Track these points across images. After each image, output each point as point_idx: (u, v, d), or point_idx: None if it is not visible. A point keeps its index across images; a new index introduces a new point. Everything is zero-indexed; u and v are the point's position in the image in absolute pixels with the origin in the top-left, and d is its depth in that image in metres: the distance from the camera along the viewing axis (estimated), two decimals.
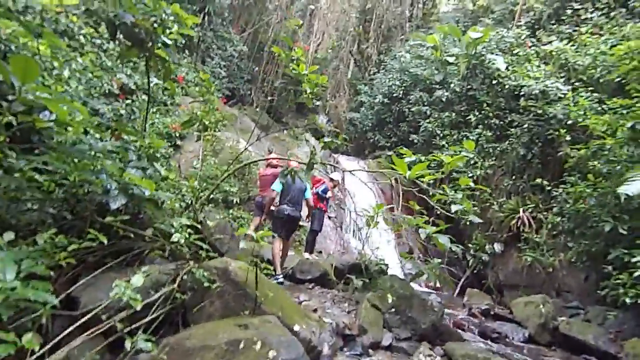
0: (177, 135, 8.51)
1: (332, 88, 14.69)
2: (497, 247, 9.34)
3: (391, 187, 12.35)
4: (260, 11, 12.84)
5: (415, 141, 11.80)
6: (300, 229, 8.18)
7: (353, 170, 4.81)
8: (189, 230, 2.98)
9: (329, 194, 6.98)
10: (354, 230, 11.01)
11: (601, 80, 8.54)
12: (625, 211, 5.31)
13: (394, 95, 12.97)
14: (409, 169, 3.99)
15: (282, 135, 11.89)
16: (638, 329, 4.75)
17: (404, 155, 4.44)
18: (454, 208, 4.03)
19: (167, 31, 2.87)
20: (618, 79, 7.55)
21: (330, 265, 5.93)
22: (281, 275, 5.35)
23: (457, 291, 9.71)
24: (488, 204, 9.83)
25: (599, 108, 7.67)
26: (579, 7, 11.00)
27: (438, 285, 8.98)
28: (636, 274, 4.50)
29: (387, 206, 11.82)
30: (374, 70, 15.71)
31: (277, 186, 5.70)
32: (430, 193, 4.69)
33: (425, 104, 12.01)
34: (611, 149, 6.05)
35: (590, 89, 8.50)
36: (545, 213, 8.57)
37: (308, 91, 3.11)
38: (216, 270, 3.07)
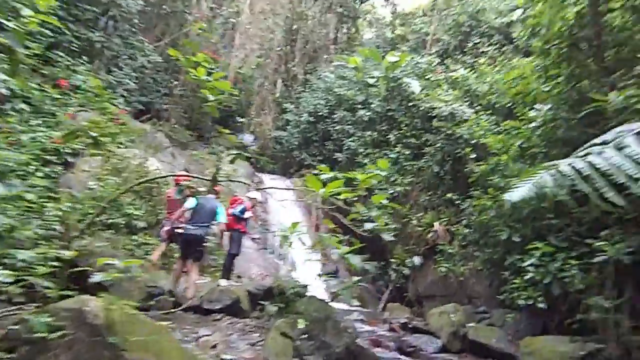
0: (68, 151, 7.51)
1: (258, 106, 14.71)
2: (417, 260, 9.88)
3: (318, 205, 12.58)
4: (179, 22, 12.48)
5: (340, 159, 12.19)
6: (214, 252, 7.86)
7: (269, 188, 4.77)
8: (52, 263, 2.55)
9: (248, 214, 6.83)
10: (280, 253, 10.89)
11: (496, 105, 9.71)
12: (517, 220, 5.97)
13: (320, 114, 13.36)
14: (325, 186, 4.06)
15: (201, 153, 11.50)
16: (531, 327, 5.29)
17: (321, 173, 4.52)
18: (366, 226, 4.16)
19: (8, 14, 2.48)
20: (508, 104, 8.65)
21: (246, 291, 5.70)
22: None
23: (381, 306, 10.02)
24: (407, 219, 10.43)
25: (496, 129, 8.66)
26: (478, 41, 12.50)
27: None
28: (527, 277, 5.03)
29: (312, 225, 11.98)
30: (300, 89, 16.10)
31: (190, 203, 5.46)
32: (352, 212, 4.81)
33: (349, 123, 12.54)
34: (505, 164, 6.83)
35: (489, 112, 9.58)
36: (456, 225, 9.31)
37: (211, 99, 3.02)
38: (66, 312, 2.46)
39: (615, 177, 2.51)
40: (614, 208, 4.58)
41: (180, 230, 5.60)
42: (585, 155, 2.73)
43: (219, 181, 3.85)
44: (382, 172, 4.67)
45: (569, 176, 2.63)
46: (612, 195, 2.53)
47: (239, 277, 7.85)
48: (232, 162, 3.71)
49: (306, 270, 10.45)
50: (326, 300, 5.33)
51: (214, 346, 3.75)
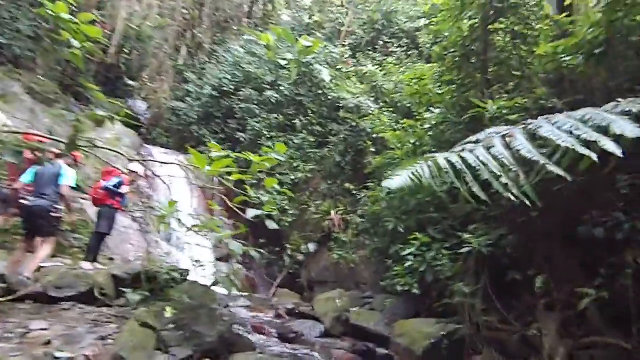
0: None
1: (153, 71, 13.44)
2: (312, 246, 10.20)
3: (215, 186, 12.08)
4: None
5: (242, 139, 11.85)
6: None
7: (151, 161, 4.35)
8: None
9: (125, 188, 6.20)
10: (170, 234, 10.20)
11: (398, 104, 10.43)
12: (404, 213, 6.51)
13: (224, 89, 12.76)
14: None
15: (77, 114, 10.08)
16: (406, 311, 5.86)
17: (213, 150, 4.26)
18: (250, 213, 4.05)
19: None
20: (408, 104, 9.36)
21: (110, 275, 5.14)
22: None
23: (273, 292, 10.14)
24: (306, 206, 10.66)
25: (396, 126, 9.31)
26: (388, 40, 13.22)
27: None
28: (407, 265, 5.52)
29: (206, 207, 11.48)
30: (205, 60, 15.17)
31: (26, 177, 4.74)
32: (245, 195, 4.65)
33: (255, 103, 12.24)
34: (399, 160, 7.40)
35: (391, 109, 10.24)
36: (352, 215, 9.83)
37: (75, 45, 2.54)
38: None
39: (481, 174, 2.84)
40: (478, 204, 5.27)
41: (24, 202, 4.80)
42: (460, 151, 3.05)
43: (79, 147, 3.34)
44: (279, 156, 4.60)
45: (444, 169, 2.90)
46: (477, 190, 2.86)
47: (111, 259, 7.13)
48: (98, 124, 3.22)
49: (195, 254, 10.01)
50: (211, 287, 5.12)
51: (48, 342, 3.24)
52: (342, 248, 9.48)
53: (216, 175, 4.19)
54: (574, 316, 4.37)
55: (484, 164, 2.82)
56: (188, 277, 5.96)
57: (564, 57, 4.45)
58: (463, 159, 2.89)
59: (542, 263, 4.84)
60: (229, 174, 4.17)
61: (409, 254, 5.50)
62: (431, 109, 7.18)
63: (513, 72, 5.37)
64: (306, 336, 5.60)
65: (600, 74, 4.15)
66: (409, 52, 12.56)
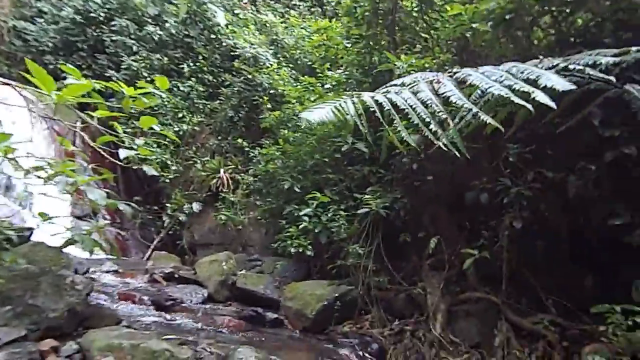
0: None
1: None
2: (196, 206, 9.19)
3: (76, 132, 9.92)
4: None
5: (115, 79, 9.85)
6: None
7: None
8: None
9: None
10: (9, 183, 8.02)
11: (299, 62, 9.82)
12: (301, 172, 6.09)
13: (92, 15, 10.35)
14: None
15: None
16: (296, 273, 5.56)
17: (69, 77, 3.06)
18: (122, 153, 3.11)
19: None
20: (309, 62, 8.83)
21: None
22: None
23: (149, 255, 8.93)
24: (192, 162, 9.51)
25: (295, 83, 8.72)
26: None
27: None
28: (301, 226, 5.14)
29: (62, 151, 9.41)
30: None
31: None
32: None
33: (133, 37, 10.23)
34: (299, 117, 6.90)
35: (291, 65, 9.56)
36: (243, 175, 9.08)
37: None
38: None
39: (411, 118, 2.49)
40: (372, 166, 5.11)
41: None
42: (386, 92, 2.64)
43: None
44: (159, 93, 3.60)
45: (371, 107, 2.46)
46: (406, 135, 2.50)
47: None
48: None
49: (48, 209, 8.13)
50: (62, 248, 3.97)
51: None
52: (230, 209, 8.73)
53: (71, 105, 3.07)
54: (455, 275, 4.58)
55: (412, 108, 2.46)
56: (32, 238, 4.65)
57: (472, 23, 4.38)
58: (390, 101, 2.49)
59: (430, 226, 4.95)
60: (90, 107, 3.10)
61: (305, 215, 5.12)
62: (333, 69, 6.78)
63: (421, 35, 5.21)
64: (186, 303, 4.88)
65: (504, 44, 4.18)
66: (312, 9, 11.89)
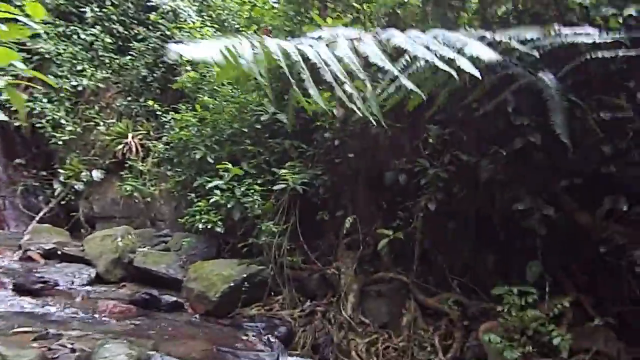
0: None
1: None
2: (97, 174, 8.03)
3: None
4: None
5: None
6: None
7: None
8: None
9: None
10: None
11: (226, 24, 8.93)
12: (217, 142, 5.50)
13: None
14: None
15: None
16: (205, 252, 5.06)
17: None
18: None
19: None
20: (237, 25, 8.06)
21: None
22: None
23: (31, 228, 7.62)
24: (93, 124, 8.26)
25: None
26: None
27: None
28: (212, 200, 4.62)
29: None
30: None
31: None
32: None
33: None
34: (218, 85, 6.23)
35: (216, 26, 8.66)
36: (155, 142, 8.11)
37: None
38: None
39: (323, 74, 2.12)
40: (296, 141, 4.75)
41: None
42: (298, 43, 2.23)
43: None
44: (32, 24, 2.78)
45: (274, 55, 2.03)
46: (314, 92, 2.14)
47: None
48: None
49: None
50: None
51: None
52: (138, 179, 7.76)
53: None
54: (369, 255, 4.46)
55: (326, 64, 2.09)
56: None
57: None
58: (300, 51, 2.09)
59: (348, 205, 4.77)
60: None
61: (216, 187, 4.60)
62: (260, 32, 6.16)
63: (353, 5, 4.87)
64: (63, 285, 4.12)
65: (433, 22, 4.02)
66: None
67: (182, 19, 8.44)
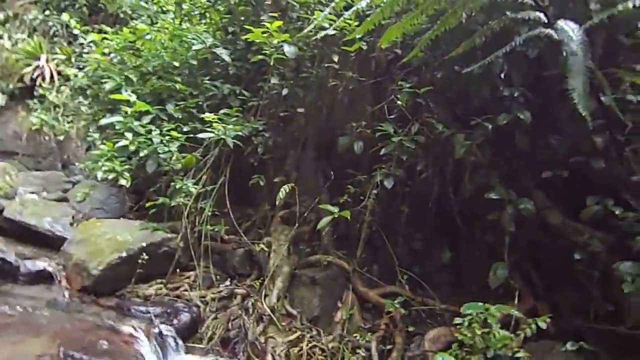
0: None
1: None
2: None
3: None
4: None
5: None
6: None
7: None
8: None
9: None
10: None
11: None
12: (141, 76, 4.20)
13: None
14: None
15: None
16: (113, 208, 3.92)
17: None
18: None
19: None
20: None
21: None
22: None
23: None
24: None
25: None
26: None
27: None
28: (120, 144, 3.42)
29: None
30: None
31: None
32: None
33: None
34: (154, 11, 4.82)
35: None
36: (76, 70, 6.49)
37: None
38: None
39: None
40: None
41: None
42: None
43: None
44: None
45: None
46: None
47: None
48: None
49: None
50: None
51: None
52: (50, 111, 6.21)
53: None
54: (308, 233, 3.58)
55: None
56: None
57: None
58: None
59: (292, 171, 3.81)
60: None
61: (119, 122, 3.40)
62: None
63: None
64: None
65: None
66: None
67: None
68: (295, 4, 3.47)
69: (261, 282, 3.23)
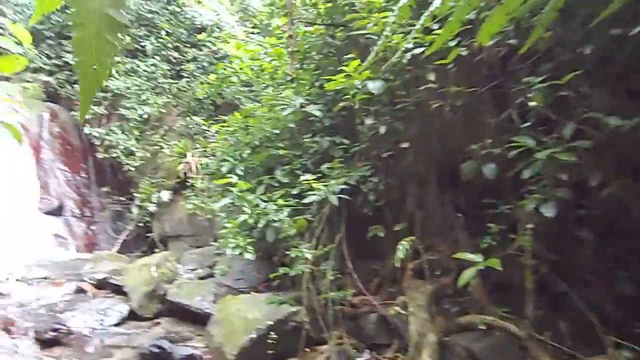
0: None
1: None
2: (165, 195, 7.50)
3: (43, 123, 8.25)
4: None
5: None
6: None
7: None
8: None
9: None
10: None
11: (270, 28, 7.84)
12: (253, 149, 4.28)
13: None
14: None
15: None
16: (246, 280, 3.84)
17: None
18: None
19: None
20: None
21: None
22: None
23: (116, 249, 7.36)
24: (159, 147, 7.78)
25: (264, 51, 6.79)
26: None
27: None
28: (240, 219, 3.36)
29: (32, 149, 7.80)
30: None
31: None
32: None
33: None
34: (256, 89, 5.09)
35: (257, 31, 7.62)
36: (213, 158, 7.33)
37: None
38: None
39: None
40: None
41: None
42: None
43: None
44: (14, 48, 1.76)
45: None
46: None
47: None
48: None
49: (9, 208, 6.59)
50: None
51: None
52: (199, 196, 7.01)
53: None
54: (450, 285, 2.77)
55: None
56: None
57: None
58: None
59: (413, 214, 3.12)
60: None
61: (237, 198, 3.35)
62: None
63: None
64: (86, 328, 3.23)
65: None
66: None
67: (225, 31, 7.57)
68: (373, 36, 3.00)
69: (404, 354, 2.54)
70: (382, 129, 2.83)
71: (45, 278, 4.71)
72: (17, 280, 4.49)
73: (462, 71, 2.62)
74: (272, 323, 2.71)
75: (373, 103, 2.87)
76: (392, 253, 3.14)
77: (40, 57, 8.82)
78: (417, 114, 2.80)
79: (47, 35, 9.04)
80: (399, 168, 3.25)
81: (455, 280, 2.67)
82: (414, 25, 2.15)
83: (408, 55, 2.40)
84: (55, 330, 3.06)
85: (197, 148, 7.43)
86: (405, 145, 2.82)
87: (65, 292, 4.29)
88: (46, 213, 7.57)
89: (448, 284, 2.74)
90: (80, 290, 4.28)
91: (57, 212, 7.67)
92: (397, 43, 2.47)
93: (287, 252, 3.29)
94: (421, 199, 3.18)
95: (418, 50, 2.41)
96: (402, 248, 2.41)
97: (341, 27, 3.72)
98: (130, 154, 7.66)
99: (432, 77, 2.63)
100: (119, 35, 0.95)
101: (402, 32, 2.77)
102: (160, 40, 8.19)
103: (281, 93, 4.99)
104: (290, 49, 3.61)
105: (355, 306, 3.03)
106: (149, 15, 8.39)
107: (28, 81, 8.53)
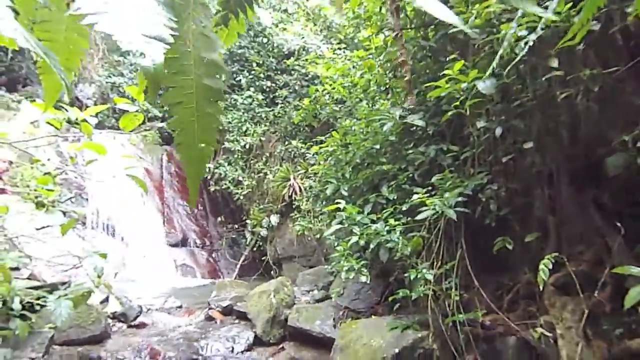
0: None
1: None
2: (274, 219, 8.37)
3: (162, 165, 10.11)
4: None
5: None
6: None
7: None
8: None
9: None
10: (107, 225, 8.34)
11: (356, 41, 8.21)
12: (354, 168, 4.56)
13: None
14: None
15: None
16: (361, 303, 4.07)
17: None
18: None
19: None
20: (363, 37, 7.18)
21: None
22: None
23: (234, 276, 8.45)
24: (263, 174, 8.74)
25: (350, 65, 7.16)
26: None
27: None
28: (351, 241, 3.63)
29: (156, 190, 9.62)
30: None
31: None
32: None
33: None
34: (350, 105, 5.42)
35: (346, 46, 8.04)
36: (314, 178, 7.91)
37: None
38: None
39: None
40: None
41: None
42: None
43: None
44: (131, 107, 2.56)
45: None
46: None
47: None
48: None
49: (143, 245, 8.26)
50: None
51: None
52: (305, 217, 7.64)
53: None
54: (605, 301, 2.51)
55: None
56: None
57: None
58: None
59: (545, 220, 2.94)
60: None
61: (346, 220, 3.60)
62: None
63: None
64: (220, 355, 3.84)
65: None
66: None
67: (312, 53, 8.20)
68: (475, 32, 2.98)
69: None
70: (498, 130, 2.76)
71: (180, 307, 5.69)
72: (156, 310, 5.53)
73: (591, 52, 2.42)
74: (398, 351, 2.84)
75: (484, 103, 2.84)
76: (522, 265, 2.99)
77: (154, 107, 10.84)
78: (539, 108, 2.67)
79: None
80: (521, 170, 3.10)
81: (613, 294, 2.42)
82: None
83: (521, 44, 2.33)
84: (198, 354, 3.73)
85: (298, 171, 8.14)
86: (528, 145, 2.70)
87: (197, 320, 5.12)
88: (172, 245, 9.17)
89: (604, 299, 2.48)
90: (210, 318, 5.05)
91: (182, 243, 9.22)
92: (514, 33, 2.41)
93: (403, 273, 3.41)
94: (553, 202, 2.96)
95: (533, 37, 2.32)
96: (545, 268, 2.28)
97: (433, 27, 3.77)
98: (238, 183, 8.80)
99: (554, 63, 2.48)
100: (219, 103, 0.94)
101: (508, 19, 2.70)
102: (253, 72, 9.30)
103: (375, 105, 5.22)
104: (401, 59, 3.75)
105: (488, 327, 2.96)
106: (240, 51, 9.63)
107: (146, 129, 10.55)
